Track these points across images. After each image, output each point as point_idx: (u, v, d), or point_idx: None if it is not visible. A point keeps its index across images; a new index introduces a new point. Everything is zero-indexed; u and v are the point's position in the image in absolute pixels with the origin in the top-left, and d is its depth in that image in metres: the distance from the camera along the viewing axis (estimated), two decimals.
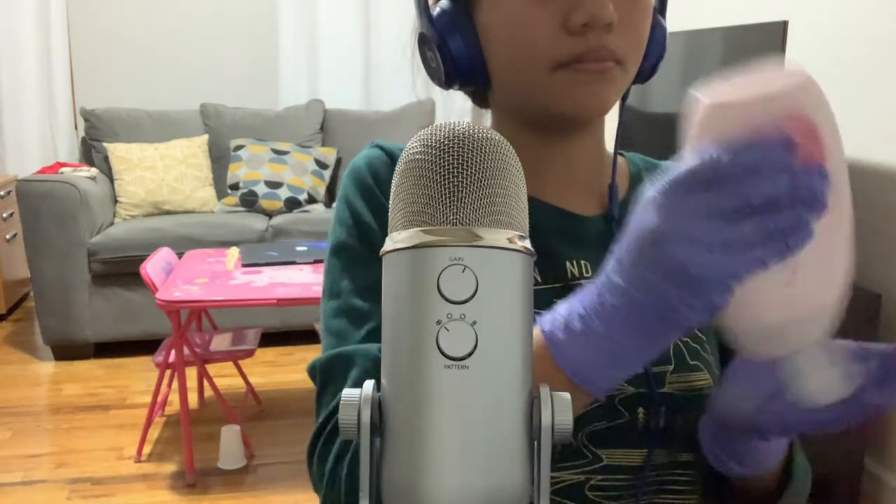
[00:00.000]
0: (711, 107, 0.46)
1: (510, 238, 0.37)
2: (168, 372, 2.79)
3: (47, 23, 4.31)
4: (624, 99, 0.71)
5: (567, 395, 0.37)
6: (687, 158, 0.46)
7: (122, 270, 3.51)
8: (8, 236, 4.05)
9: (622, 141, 0.75)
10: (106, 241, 3.56)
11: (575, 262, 0.71)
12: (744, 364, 0.59)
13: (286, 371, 3.49)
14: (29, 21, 4.26)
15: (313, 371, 0.69)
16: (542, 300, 0.67)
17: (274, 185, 4.04)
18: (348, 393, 0.38)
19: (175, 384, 2.69)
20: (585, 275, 0.70)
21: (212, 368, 2.84)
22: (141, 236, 3.60)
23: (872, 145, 2.35)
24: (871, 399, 0.52)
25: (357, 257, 0.70)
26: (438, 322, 0.36)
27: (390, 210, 0.40)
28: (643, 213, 0.47)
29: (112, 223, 3.85)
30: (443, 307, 0.36)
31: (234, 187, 4.07)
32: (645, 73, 0.71)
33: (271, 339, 3.57)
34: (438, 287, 0.36)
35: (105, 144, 4.02)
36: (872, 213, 2.36)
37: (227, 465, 2.66)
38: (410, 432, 0.36)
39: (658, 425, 0.67)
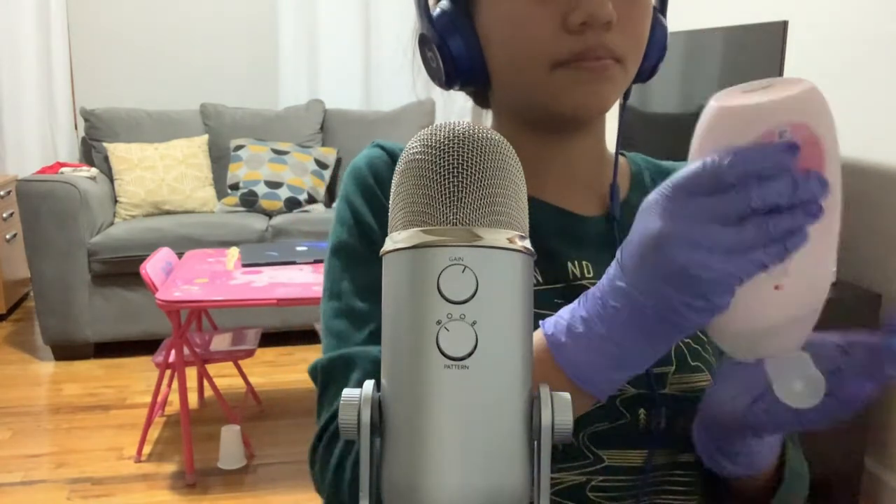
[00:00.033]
0: (719, 109, 0.47)
1: (510, 238, 0.37)
2: (168, 372, 2.79)
3: (47, 23, 4.30)
4: (625, 98, 0.71)
5: (567, 395, 0.38)
6: (690, 163, 0.46)
7: (122, 270, 3.51)
8: (8, 236, 4.05)
9: (623, 141, 0.75)
10: (106, 241, 3.56)
11: (576, 263, 0.70)
12: (733, 363, 0.59)
13: (286, 371, 3.49)
14: (29, 21, 4.26)
15: (314, 372, 0.69)
16: (543, 300, 0.67)
17: (274, 185, 4.04)
18: (348, 393, 0.38)
19: (175, 384, 2.68)
20: (587, 275, 0.70)
21: (212, 368, 2.84)
22: (141, 236, 3.60)
23: (872, 145, 2.35)
24: (857, 390, 0.52)
25: (358, 257, 0.70)
26: (438, 322, 0.36)
27: (390, 210, 0.40)
28: (645, 217, 0.47)
29: (112, 223, 3.85)
30: (443, 307, 0.36)
31: (234, 187, 4.07)
32: (645, 73, 0.71)
33: (271, 339, 3.57)
34: (438, 287, 0.36)
35: (105, 144, 4.02)
36: (872, 213, 2.36)
37: (227, 465, 2.66)
38: (410, 432, 0.36)
39: (659, 426, 0.67)
